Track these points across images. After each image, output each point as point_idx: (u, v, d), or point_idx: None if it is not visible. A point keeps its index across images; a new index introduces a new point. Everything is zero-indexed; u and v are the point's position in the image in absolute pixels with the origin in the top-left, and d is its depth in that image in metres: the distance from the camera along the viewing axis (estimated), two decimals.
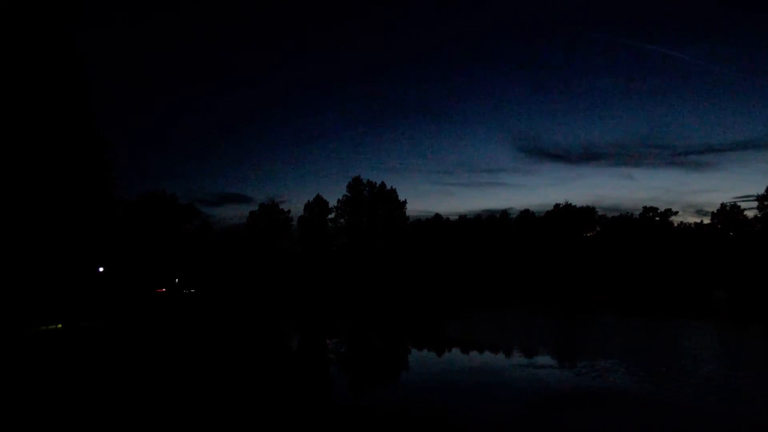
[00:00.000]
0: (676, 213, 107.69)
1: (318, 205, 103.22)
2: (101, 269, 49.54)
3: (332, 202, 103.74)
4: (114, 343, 26.48)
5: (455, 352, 24.72)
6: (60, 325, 30.16)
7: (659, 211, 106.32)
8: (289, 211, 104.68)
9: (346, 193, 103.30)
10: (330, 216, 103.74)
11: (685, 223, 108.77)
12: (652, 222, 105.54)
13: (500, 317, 43.13)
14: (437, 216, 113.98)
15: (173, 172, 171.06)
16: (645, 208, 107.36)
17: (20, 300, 31.06)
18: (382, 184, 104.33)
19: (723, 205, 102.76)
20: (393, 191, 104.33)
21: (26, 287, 31.88)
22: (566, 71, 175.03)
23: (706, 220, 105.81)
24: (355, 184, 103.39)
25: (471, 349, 24.88)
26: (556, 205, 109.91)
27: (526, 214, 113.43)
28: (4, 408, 12.79)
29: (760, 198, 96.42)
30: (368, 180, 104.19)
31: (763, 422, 12.58)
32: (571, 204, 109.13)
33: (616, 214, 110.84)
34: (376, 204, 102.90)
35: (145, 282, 70.15)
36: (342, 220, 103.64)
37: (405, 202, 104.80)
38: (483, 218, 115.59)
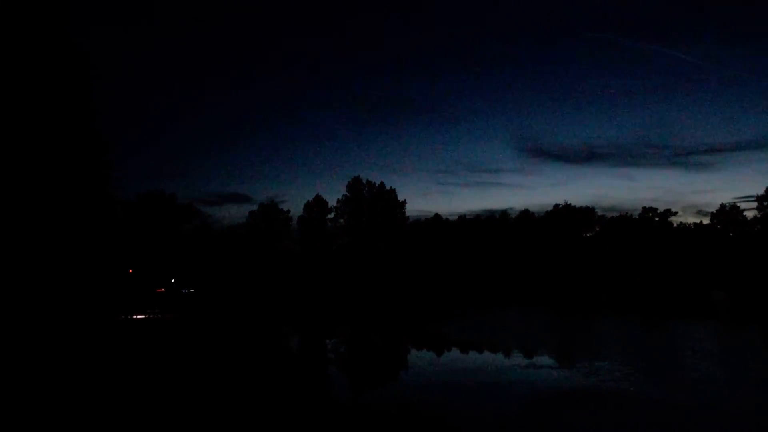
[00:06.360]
0: (675, 213, 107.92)
1: (318, 205, 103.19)
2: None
3: (332, 202, 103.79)
4: (114, 342, 26.51)
5: (455, 352, 24.75)
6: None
7: (659, 211, 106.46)
8: (288, 211, 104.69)
9: (345, 193, 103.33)
10: (330, 216, 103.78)
11: (685, 224, 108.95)
12: (652, 222, 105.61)
13: (500, 317, 43.15)
14: (437, 216, 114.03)
15: (173, 172, 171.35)
16: (644, 208, 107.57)
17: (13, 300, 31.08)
18: (382, 184, 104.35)
19: (722, 206, 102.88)
20: (393, 191, 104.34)
21: (21, 287, 31.88)
22: (566, 71, 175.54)
23: (706, 221, 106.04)
24: (355, 184, 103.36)
25: (470, 349, 24.91)
26: (556, 206, 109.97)
27: (525, 214, 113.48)
28: None
29: (759, 198, 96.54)
30: (368, 180, 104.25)
31: (762, 422, 12.62)
32: (570, 204, 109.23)
33: (616, 214, 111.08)
34: (375, 204, 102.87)
35: (144, 282, 70.17)
36: (341, 220, 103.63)
37: (405, 202, 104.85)
38: (483, 218, 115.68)
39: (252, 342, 28.74)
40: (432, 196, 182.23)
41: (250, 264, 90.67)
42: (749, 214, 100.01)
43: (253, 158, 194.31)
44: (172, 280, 78.74)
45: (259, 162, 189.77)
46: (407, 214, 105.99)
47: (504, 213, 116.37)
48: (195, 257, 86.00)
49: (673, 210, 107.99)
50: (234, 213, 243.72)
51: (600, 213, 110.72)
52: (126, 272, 66.43)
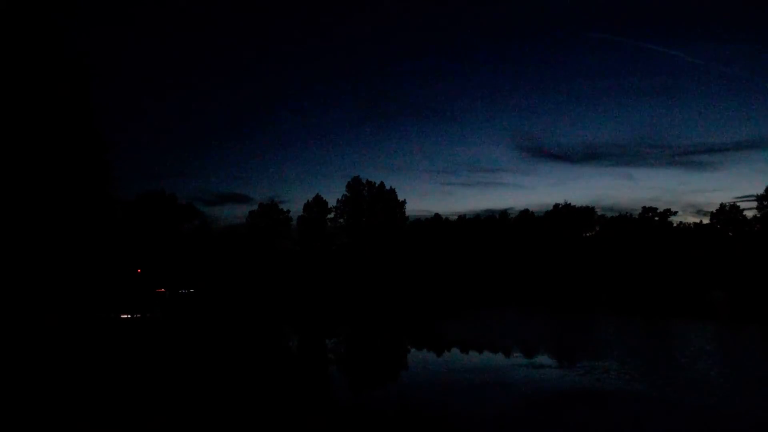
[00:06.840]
0: (675, 213, 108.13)
1: (317, 204, 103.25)
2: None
3: (332, 202, 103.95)
4: (113, 342, 26.51)
5: (455, 351, 24.75)
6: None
7: (658, 211, 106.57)
8: (288, 211, 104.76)
9: (345, 192, 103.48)
10: (329, 216, 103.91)
11: (685, 223, 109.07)
12: (652, 222, 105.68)
13: (500, 317, 43.14)
14: (437, 216, 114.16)
15: (173, 172, 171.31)
16: (644, 208, 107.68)
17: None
18: (382, 184, 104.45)
19: (722, 205, 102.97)
20: (392, 191, 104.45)
21: (20, 287, 31.88)
22: (566, 71, 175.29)
23: (706, 220, 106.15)
24: (355, 184, 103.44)
25: (470, 349, 24.91)
26: (556, 205, 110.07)
27: (525, 214, 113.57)
28: None
29: (759, 198, 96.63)
30: (368, 180, 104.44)
31: (761, 422, 12.63)
32: (570, 204, 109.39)
33: (616, 214, 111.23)
34: (375, 204, 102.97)
35: (144, 282, 70.22)
36: (341, 220, 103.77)
37: (404, 201, 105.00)
38: (482, 218, 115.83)
39: (252, 342, 28.75)
40: (432, 196, 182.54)
41: (250, 264, 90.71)
42: (749, 214, 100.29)
43: (253, 158, 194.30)
44: (173, 280, 78.80)
45: (259, 162, 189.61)
46: (407, 214, 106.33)
47: (504, 213, 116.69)
48: (195, 257, 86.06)
49: (673, 210, 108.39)
50: (234, 213, 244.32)
51: (600, 213, 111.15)
52: (129, 272, 66.45)
